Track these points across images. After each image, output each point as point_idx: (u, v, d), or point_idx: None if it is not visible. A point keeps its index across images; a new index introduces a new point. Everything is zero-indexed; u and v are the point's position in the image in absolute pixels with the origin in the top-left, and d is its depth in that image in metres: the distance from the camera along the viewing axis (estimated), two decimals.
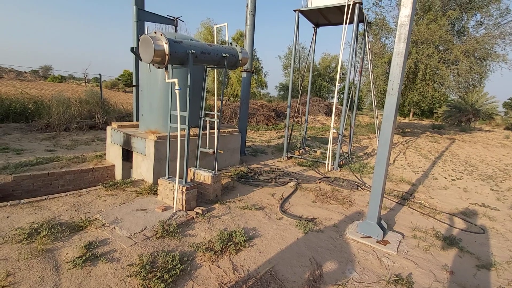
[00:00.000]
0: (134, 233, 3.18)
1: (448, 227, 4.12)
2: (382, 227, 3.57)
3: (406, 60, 3.29)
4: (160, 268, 2.57)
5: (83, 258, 2.61)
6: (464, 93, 14.96)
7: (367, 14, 12.29)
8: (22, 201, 3.71)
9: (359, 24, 7.14)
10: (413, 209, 4.72)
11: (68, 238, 2.99)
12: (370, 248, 3.32)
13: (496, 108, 26.15)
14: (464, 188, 6.19)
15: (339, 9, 6.63)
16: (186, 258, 2.77)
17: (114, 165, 5.74)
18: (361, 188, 5.60)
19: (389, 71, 3.33)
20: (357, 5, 6.18)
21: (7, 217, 3.32)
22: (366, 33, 7.30)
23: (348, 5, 6.23)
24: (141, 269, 2.51)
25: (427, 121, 29.76)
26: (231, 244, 3.05)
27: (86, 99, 10.88)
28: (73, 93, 12.42)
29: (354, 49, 6.99)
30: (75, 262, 2.55)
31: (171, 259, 2.67)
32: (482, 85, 14.64)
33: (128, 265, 2.62)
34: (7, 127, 8.39)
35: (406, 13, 3.13)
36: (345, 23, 6.37)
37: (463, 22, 13.05)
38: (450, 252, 3.38)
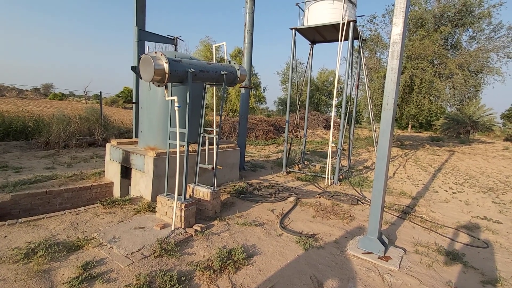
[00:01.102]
0: (132, 252, 3.14)
1: (451, 241, 4.06)
2: (383, 243, 3.53)
3: (400, 76, 3.37)
4: None
5: (80, 278, 2.56)
6: (460, 106, 15.10)
7: (362, 31, 12.65)
8: (20, 220, 3.67)
9: (354, 40, 7.35)
10: (414, 223, 4.67)
11: (65, 258, 2.94)
12: (372, 265, 3.26)
13: (494, 119, 26.36)
14: (465, 201, 6.15)
15: (334, 27, 6.84)
16: (184, 278, 2.72)
17: (112, 182, 5.72)
18: (362, 203, 5.56)
19: (385, 86, 3.40)
20: (351, 23, 6.39)
21: (5, 236, 3.28)
22: (361, 49, 7.49)
23: (343, 24, 6.44)
24: None
25: (426, 133, 29.91)
26: (230, 262, 3.00)
27: (86, 116, 10.98)
28: (73, 110, 12.55)
29: (350, 65, 7.15)
30: (71, 283, 2.50)
31: (169, 279, 2.61)
32: (478, 97, 14.84)
33: (125, 285, 2.57)
34: (7, 145, 8.42)
35: (398, 31, 3.23)
36: (341, 40, 6.55)
37: (456, 37, 13.41)
38: (454, 267, 3.32)
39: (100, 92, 12.51)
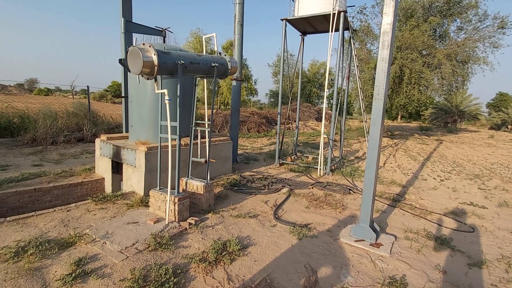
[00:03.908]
0: (126, 247, 3.12)
1: (439, 227, 4.19)
2: (375, 230, 3.61)
3: (390, 66, 3.39)
4: (153, 282, 2.51)
5: (73, 275, 2.53)
6: (448, 95, 15.39)
7: (352, 22, 12.60)
8: (8, 218, 3.59)
9: (345, 31, 7.33)
10: (404, 210, 4.79)
11: (57, 255, 2.90)
12: (364, 251, 3.34)
13: (480, 108, 26.99)
14: (452, 188, 6.33)
15: (325, 17, 6.80)
16: (179, 271, 2.72)
17: (103, 178, 5.63)
18: (353, 192, 5.66)
19: (375, 76, 3.42)
20: (341, 13, 6.36)
21: None
22: (351, 40, 7.49)
23: (333, 14, 6.41)
24: (133, 284, 2.45)
25: (415, 123, 30.44)
26: (225, 254, 3.02)
27: (74, 112, 10.71)
28: (60, 105, 12.20)
29: (341, 56, 7.15)
30: (64, 280, 2.48)
31: (164, 272, 2.62)
32: (465, 87, 15.14)
33: (120, 280, 2.56)
34: None
35: (388, 21, 3.24)
36: (331, 31, 6.53)
37: (444, 28, 13.56)
38: (442, 252, 3.43)
39: (88, 87, 12.19)
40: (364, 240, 3.53)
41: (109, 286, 2.48)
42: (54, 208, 4.01)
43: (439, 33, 13.72)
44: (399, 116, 32.03)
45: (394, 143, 13.33)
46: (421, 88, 13.10)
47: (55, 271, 2.63)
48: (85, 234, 3.38)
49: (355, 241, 3.52)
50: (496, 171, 8.15)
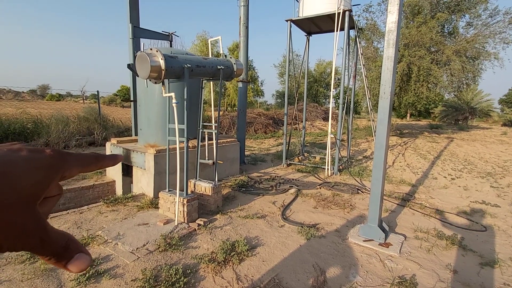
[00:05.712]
0: (137, 248, 3.19)
1: (450, 226, 4.13)
2: (383, 230, 3.58)
3: (396, 65, 3.37)
4: (164, 281, 2.57)
5: (87, 275, 2.61)
6: (458, 92, 15.08)
7: (358, 20, 12.55)
8: None
9: (350, 30, 7.30)
10: (414, 210, 4.73)
11: None
12: (373, 251, 3.33)
13: (492, 105, 26.37)
14: (464, 187, 6.21)
15: (330, 17, 6.79)
16: (189, 271, 2.77)
17: (114, 181, 5.76)
18: (362, 192, 5.62)
19: (381, 75, 3.41)
20: (346, 12, 6.34)
21: None
22: (357, 39, 7.45)
23: (338, 13, 6.39)
24: (145, 283, 2.51)
25: (425, 121, 29.92)
26: (234, 254, 3.06)
27: (85, 116, 10.96)
28: (71, 110, 12.51)
29: (347, 55, 7.12)
30: (78, 280, 2.56)
31: (174, 272, 2.67)
32: (476, 83, 14.82)
33: (131, 280, 2.62)
34: None
35: (393, 19, 3.23)
36: (337, 30, 6.51)
37: (452, 24, 13.33)
38: (453, 251, 3.38)
39: (98, 92, 12.44)
40: (373, 240, 3.51)
41: (122, 286, 2.55)
42: (68, 211, 4.13)
43: (447, 29, 13.49)
44: (408, 114, 31.52)
45: (403, 142, 13.15)
46: (430, 85, 12.89)
47: (70, 272, 2.71)
48: (98, 235, 3.47)
49: (363, 241, 3.51)
50: (509, 168, 7.95)
